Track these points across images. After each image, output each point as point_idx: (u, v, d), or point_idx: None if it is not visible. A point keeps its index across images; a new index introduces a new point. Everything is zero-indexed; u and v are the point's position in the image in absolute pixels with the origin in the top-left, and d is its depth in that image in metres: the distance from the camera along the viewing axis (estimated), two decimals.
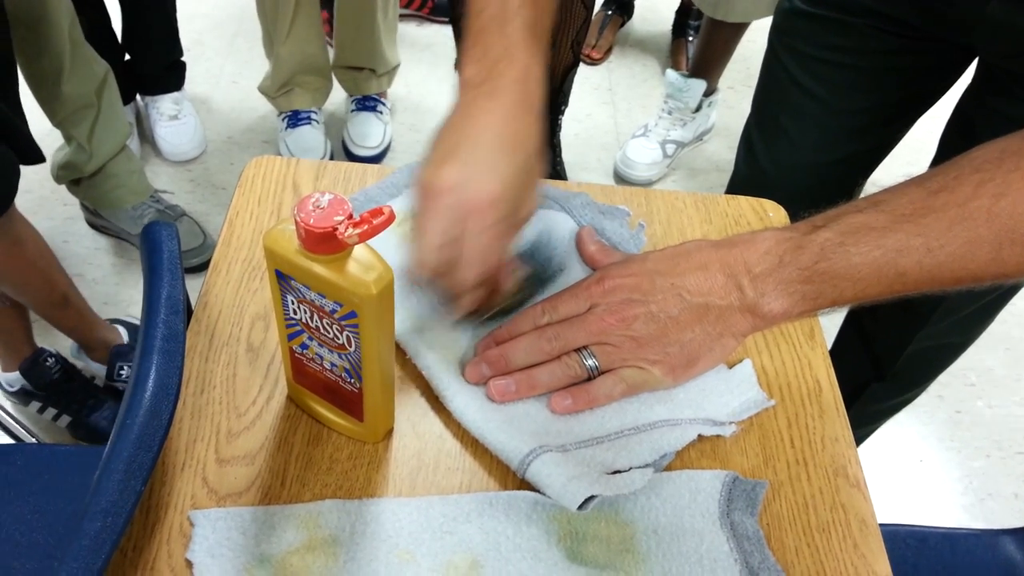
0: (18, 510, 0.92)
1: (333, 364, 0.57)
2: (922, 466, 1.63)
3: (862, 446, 1.37)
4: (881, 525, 0.62)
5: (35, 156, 1.15)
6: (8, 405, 1.45)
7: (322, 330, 0.54)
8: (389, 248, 0.56)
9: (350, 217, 0.48)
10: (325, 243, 0.48)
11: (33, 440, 1.30)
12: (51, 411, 1.47)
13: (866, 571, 0.59)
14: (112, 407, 1.49)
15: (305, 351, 0.58)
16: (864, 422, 1.30)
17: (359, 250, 0.50)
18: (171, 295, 0.59)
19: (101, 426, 1.47)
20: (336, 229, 0.47)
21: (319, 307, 0.53)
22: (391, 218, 0.48)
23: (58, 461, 0.97)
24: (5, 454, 0.99)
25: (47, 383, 1.44)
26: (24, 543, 0.91)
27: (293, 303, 0.54)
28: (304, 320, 0.55)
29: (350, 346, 0.54)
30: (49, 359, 1.44)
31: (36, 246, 1.25)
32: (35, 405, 1.47)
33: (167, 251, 0.62)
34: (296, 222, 0.48)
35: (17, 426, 1.27)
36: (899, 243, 0.56)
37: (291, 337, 0.58)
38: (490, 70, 0.59)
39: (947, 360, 1.15)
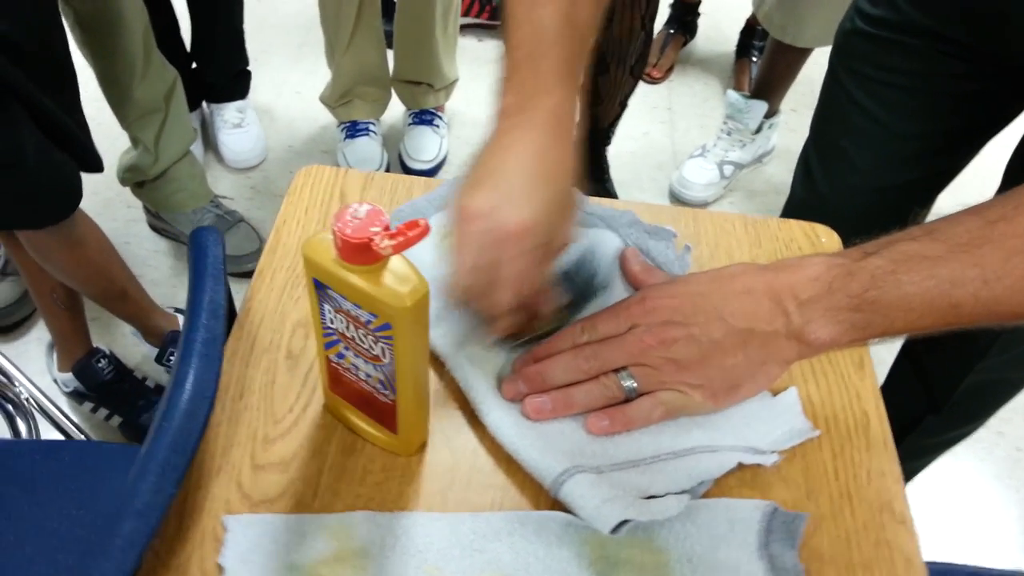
0: (63, 505, 0.94)
1: (368, 375, 0.57)
2: (979, 504, 1.57)
3: (916, 480, 1.33)
4: (934, 564, 0.60)
5: (95, 164, 1.18)
6: (63, 402, 1.49)
7: (358, 340, 0.54)
8: (427, 263, 0.56)
9: (386, 229, 0.48)
10: (361, 254, 0.48)
11: (82, 437, 1.33)
12: (103, 411, 1.51)
13: None
14: None
15: (341, 361, 0.58)
16: (918, 455, 1.26)
17: (395, 262, 0.50)
18: (213, 299, 0.60)
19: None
20: (372, 240, 0.47)
21: (355, 317, 0.52)
22: (426, 231, 0.47)
23: (104, 458, 0.99)
24: (53, 450, 1.01)
25: (99, 384, 1.47)
26: (68, 537, 0.92)
27: (330, 312, 0.54)
28: (340, 330, 0.55)
29: (384, 358, 0.54)
30: (102, 360, 1.47)
31: (98, 244, 1.29)
32: (88, 405, 1.50)
33: (212, 256, 0.63)
34: (333, 232, 0.48)
35: (68, 422, 1.30)
36: (953, 274, 0.54)
37: (328, 346, 0.58)
38: (524, 104, 0.60)
39: (1006, 395, 1.11)
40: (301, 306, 0.69)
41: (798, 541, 0.59)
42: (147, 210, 1.81)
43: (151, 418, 1.49)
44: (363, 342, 0.54)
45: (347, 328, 0.54)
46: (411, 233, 0.47)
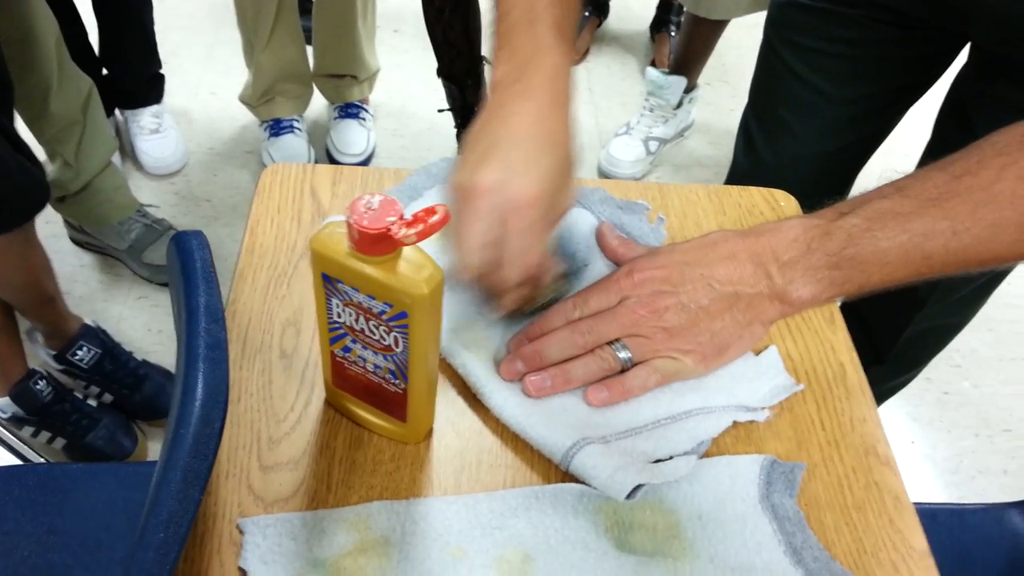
0: (33, 531, 0.91)
1: (377, 366, 0.57)
2: (914, 448, 1.66)
3: None
4: (916, 504, 0.64)
5: (40, 169, 1.18)
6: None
7: (367, 332, 0.55)
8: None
9: (402, 217, 0.48)
10: (378, 244, 0.48)
11: (42, 460, 1.28)
12: (45, 435, 1.45)
13: (903, 546, 0.60)
14: (108, 426, 1.48)
15: (347, 354, 0.58)
16: None
17: (408, 250, 0.50)
18: (209, 303, 0.58)
19: (98, 446, 1.46)
20: (390, 230, 0.48)
21: (366, 309, 0.53)
22: (447, 217, 0.48)
23: (69, 480, 0.96)
24: (16, 475, 0.97)
25: (39, 407, 1.42)
26: (40, 564, 0.90)
27: (338, 306, 0.54)
28: (349, 323, 0.55)
29: (397, 347, 0.54)
30: (40, 381, 1.42)
31: (41, 246, 1.28)
32: (28, 430, 1.44)
33: (199, 259, 0.61)
34: (348, 224, 0.48)
35: (24, 446, 1.25)
36: (925, 227, 0.58)
37: (333, 341, 0.58)
38: (521, 70, 0.60)
39: (944, 341, 1.18)
40: (288, 304, 0.69)
41: (796, 490, 0.62)
42: (69, 224, 1.74)
43: (96, 438, 1.45)
44: (374, 333, 0.54)
45: (356, 321, 0.54)
46: (432, 220, 0.47)
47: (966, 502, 1.40)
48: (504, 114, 0.60)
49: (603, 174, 2.01)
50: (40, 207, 1.17)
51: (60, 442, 1.46)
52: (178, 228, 1.75)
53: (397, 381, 0.57)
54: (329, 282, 0.53)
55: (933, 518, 1.01)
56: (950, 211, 0.57)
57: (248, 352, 0.66)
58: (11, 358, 1.39)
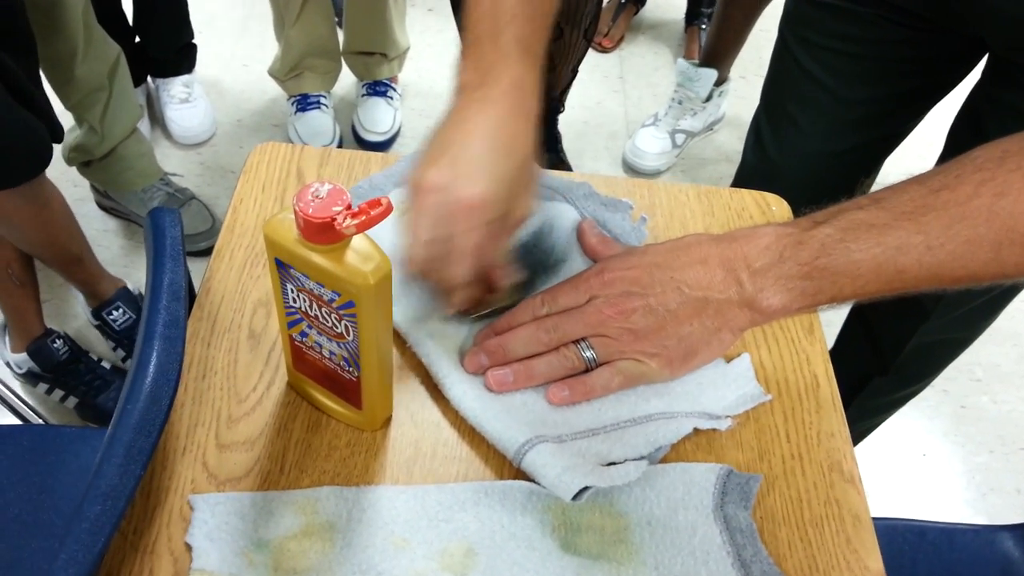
0: (25, 490, 0.94)
1: (332, 352, 0.57)
2: (926, 460, 1.63)
3: (866, 440, 1.37)
4: (880, 519, 0.63)
5: (56, 132, 1.20)
6: (16, 386, 1.46)
7: (321, 319, 0.55)
8: (386, 239, 0.57)
9: (348, 208, 0.48)
10: (323, 233, 0.48)
11: (40, 421, 1.32)
12: (58, 392, 1.49)
13: (858, 566, 0.59)
14: (119, 388, 1.51)
15: (304, 339, 0.58)
16: (867, 416, 1.30)
17: (358, 240, 0.50)
18: (173, 281, 0.59)
19: (108, 407, 1.49)
20: (334, 219, 0.48)
21: (318, 296, 0.53)
22: (389, 209, 0.48)
23: (64, 441, 0.99)
24: (11, 435, 1.00)
25: (54, 365, 1.45)
26: (31, 522, 0.92)
27: (293, 292, 0.55)
28: (303, 309, 0.55)
29: (348, 335, 0.54)
30: (57, 340, 1.46)
31: (60, 206, 1.31)
32: (43, 387, 1.48)
33: (170, 237, 0.62)
34: (295, 212, 0.49)
35: (24, 406, 1.28)
36: (899, 240, 0.56)
37: (291, 325, 0.58)
38: (483, 77, 0.60)
39: (951, 355, 1.15)
40: (261, 285, 0.70)
41: (752, 502, 0.61)
42: (95, 188, 1.78)
43: (108, 399, 1.49)
44: (326, 320, 0.55)
45: (310, 307, 0.55)
46: (374, 212, 0.47)
47: (964, 521, 1.38)
48: (463, 117, 0.60)
49: (628, 165, 1.99)
50: (41, 165, 1.18)
51: (72, 400, 1.50)
52: (201, 198, 1.77)
53: (351, 369, 0.57)
54: (282, 267, 0.53)
55: (922, 536, 0.99)
56: (925, 225, 0.56)
57: (218, 330, 0.67)
58: (30, 315, 1.43)
